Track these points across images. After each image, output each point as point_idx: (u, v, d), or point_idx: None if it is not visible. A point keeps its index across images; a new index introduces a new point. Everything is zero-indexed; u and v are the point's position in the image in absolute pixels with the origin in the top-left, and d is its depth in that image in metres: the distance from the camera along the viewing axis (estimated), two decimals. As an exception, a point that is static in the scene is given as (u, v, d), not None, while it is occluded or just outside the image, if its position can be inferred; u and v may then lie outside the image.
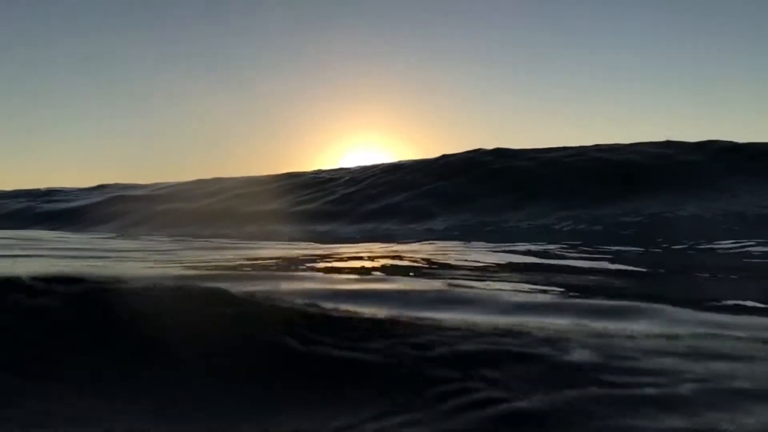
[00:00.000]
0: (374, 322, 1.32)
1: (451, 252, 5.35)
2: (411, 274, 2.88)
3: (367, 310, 1.55)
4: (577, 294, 2.60)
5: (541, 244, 6.85)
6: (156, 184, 25.56)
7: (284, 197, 17.68)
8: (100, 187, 27.40)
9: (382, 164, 19.43)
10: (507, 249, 6.14)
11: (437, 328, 1.50)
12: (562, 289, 2.76)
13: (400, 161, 19.16)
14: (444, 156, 18.46)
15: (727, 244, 6.74)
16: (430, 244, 7.28)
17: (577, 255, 5.32)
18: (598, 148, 16.64)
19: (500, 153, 17.65)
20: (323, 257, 4.38)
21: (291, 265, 3.62)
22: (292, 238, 11.08)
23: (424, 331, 1.43)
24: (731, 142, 15.37)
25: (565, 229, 11.73)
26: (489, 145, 18.07)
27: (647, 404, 1.09)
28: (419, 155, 19.22)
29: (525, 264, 4.39)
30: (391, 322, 1.33)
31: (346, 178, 18.66)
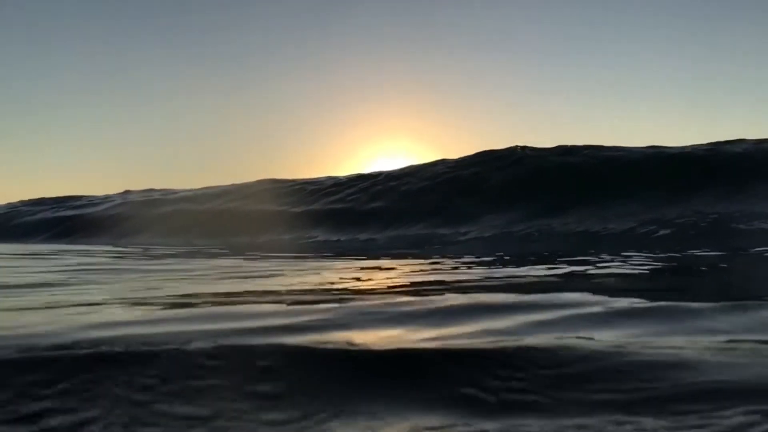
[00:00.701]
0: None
1: (521, 269, 5.08)
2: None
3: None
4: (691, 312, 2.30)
5: (610, 256, 6.56)
6: (179, 189, 25.54)
7: (322, 198, 17.56)
8: (126, 193, 27.47)
9: (410, 166, 19.07)
10: (568, 260, 5.87)
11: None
12: (660, 302, 2.47)
13: (437, 159, 18.61)
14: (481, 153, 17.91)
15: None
16: (486, 259, 7.04)
17: (655, 265, 5.02)
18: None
19: (533, 150, 17.31)
20: (417, 282, 4.16)
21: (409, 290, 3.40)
22: (354, 250, 10.88)
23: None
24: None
25: (611, 233, 11.40)
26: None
27: None
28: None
29: (605, 274, 4.11)
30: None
31: (369, 182, 18.36)
